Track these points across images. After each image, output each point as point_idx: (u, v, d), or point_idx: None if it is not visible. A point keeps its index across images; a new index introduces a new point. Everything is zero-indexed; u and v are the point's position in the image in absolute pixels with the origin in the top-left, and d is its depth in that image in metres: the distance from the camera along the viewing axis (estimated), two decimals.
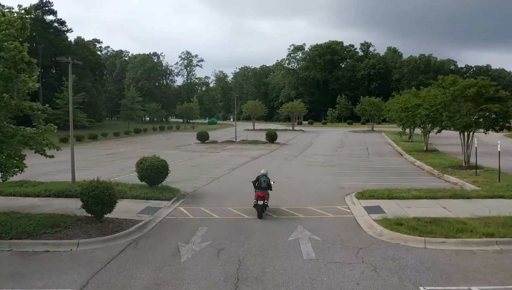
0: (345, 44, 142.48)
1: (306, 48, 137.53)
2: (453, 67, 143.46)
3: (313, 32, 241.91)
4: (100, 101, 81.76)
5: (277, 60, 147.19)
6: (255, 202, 14.64)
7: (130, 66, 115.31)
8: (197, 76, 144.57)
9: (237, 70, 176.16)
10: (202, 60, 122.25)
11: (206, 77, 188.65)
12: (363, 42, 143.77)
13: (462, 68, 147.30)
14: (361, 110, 71.15)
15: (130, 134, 66.85)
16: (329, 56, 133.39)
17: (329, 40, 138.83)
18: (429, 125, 35.07)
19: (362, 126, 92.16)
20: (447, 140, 43.07)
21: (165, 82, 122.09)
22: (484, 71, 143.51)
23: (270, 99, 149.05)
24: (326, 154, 38.62)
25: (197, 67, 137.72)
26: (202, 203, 17.34)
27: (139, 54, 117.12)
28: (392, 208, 15.31)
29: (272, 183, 15.22)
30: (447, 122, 24.22)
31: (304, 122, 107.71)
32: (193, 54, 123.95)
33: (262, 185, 14.77)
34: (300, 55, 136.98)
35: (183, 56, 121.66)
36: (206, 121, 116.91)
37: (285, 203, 16.82)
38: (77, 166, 22.73)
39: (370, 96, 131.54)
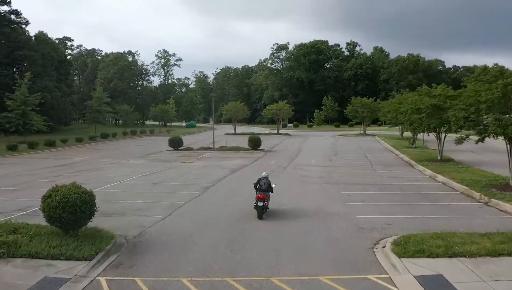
0: (330, 43, 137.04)
1: (290, 47, 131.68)
2: (440, 67, 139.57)
3: (295, 34, 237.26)
4: (65, 102, 73.74)
5: (260, 60, 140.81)
6: (255, 203, 14.85)
7: (102, 65, 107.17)
8: (175, 77, 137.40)
9: (218, 71, 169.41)
10: (180, 60, 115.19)
11: (186, 78, 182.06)
12: (349, 42, 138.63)
13: (449, 68, 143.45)
14: (352, 112, 65.06)
15: (96, 139, 59.27)
16: (314, 55, 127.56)
17: (314, 40, 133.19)
18: (445, 129, 29.14)
19: (351, 129, 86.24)
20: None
21: (140, 83, 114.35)
22: (473, 71, 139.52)
23: (252, 101, 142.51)
24: (321, 165, 32.12)
25: (175, 67, 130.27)
26: (142, 266, 10.50)
27: (112, 52, 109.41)
28: (465, 280, 8.79)
29: (273, 185, 15.39)
30: (495, 128, 17.74)
31: (289, 124, 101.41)
32: (170, 53, 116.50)
33: (263, 187, 14.95)
34: (284, 55, 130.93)
35: (160, 55, 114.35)
36: (185, 124, 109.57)
37: (279, 269, 10.10)
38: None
39: (357, 97, 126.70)
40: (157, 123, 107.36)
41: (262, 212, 14.79)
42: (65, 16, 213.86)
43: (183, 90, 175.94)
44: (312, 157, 38.20)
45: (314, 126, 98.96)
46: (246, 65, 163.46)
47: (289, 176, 26.25)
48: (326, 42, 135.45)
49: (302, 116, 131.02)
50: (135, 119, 79.57)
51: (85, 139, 58.71)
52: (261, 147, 45.11)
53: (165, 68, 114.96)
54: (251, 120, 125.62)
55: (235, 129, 72.42)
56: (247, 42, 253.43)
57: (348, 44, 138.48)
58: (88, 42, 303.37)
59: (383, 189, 21.53)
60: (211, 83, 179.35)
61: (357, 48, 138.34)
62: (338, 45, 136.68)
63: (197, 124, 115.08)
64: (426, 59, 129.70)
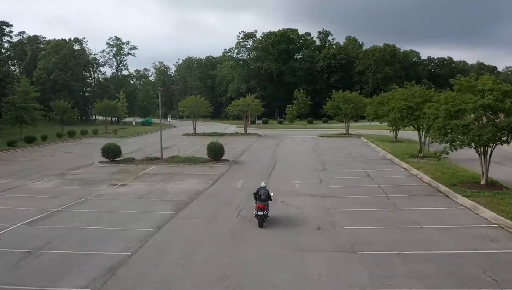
0: (300, 32, 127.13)
1: (258, 36, 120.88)
2: (416, 58, 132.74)
3: (262, 26, 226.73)
4: None
5: (225, 50, 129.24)
6: (255, 213, 15.38)
7: (42, 54, 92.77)
8: (134, 69, 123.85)
9: (180, 62, 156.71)
10: (135, 48, 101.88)
11: (146, 70, 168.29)
12: (320, 31, 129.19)
13: (424, 60, 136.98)
14: (332, 108, 55.19)
15: (16, 145, 46.74)
16: (283, 45, 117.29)
17: (283, 28, 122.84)
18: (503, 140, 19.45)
19: (327, 126, 76.62)
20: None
21: (89, 75, 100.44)
22: (448, 63, 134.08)
23: (217, 94, 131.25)
24: (310, 193, 21.81)
25: (130, 57, 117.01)
26: None
27: (54, 39, 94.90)
28: None
29: (271, 194, 16.02)
30: None
31: (257, 121, 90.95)
32: (124, 40, 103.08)
33: (262, 197, 15.51)
34: (251, 44, 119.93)
35: (112, 43, 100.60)
36: (142, 121, 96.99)
37: None
38: None
39: (331, 89, 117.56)
40: (111, 120, 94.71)
41: (263, 220, 15.37)
42: (27, 9, 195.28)
43: (142, 82, 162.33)
44: (293, 174, 27.86)
45: (285, 123, 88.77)
46: (210, 56, 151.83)
47: (267, 230, 15.66)
48: (296, 30, 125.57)
49: (271, 111, 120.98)
50: (73, 116, 66.58)
51: (1, 145, 46.23)
52: (224, 157, 34.42)
53: (118, 57, 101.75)
54: (216, 115, 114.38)
55: (195, 128, 61.24)
56: (213, 34, 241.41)
57: (320, 33, 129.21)
58: (49, 36, 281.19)
59: (442, 270, 11.33)
60: (172, 75, 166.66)
61: (330, 38, 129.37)
62: (309, 34, 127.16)
63: (156, 121, 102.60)
64: (402, 50, 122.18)
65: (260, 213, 15.23)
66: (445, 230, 14.98)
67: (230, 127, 78.09)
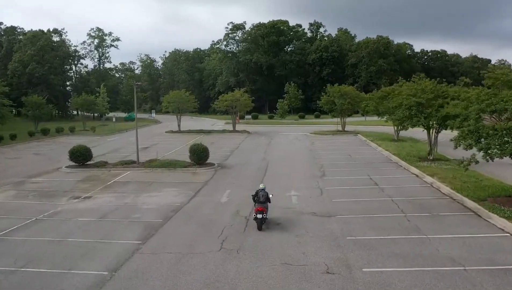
0: (291, 24, 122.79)
1: (247, 27, 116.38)
2: (409, 51, 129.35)
3: (252, 18, 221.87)
4: None
5: (213, 42, 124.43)
6: (254, 215, 15.08)
7: (18, 46, 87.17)
8: (117, 61, 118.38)
9: (167, 55, 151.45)
10: (118, 40, 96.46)
11: (131, 63, 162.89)
12: (312, 22, 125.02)
13: (418, 52, 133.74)
14: (328, 104, 51.25)
15: None
16: (274, 37, 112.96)
17: (273, 20, 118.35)
18: None
19: (321, 121, 72.84)
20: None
21: (69, 68, 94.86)
22: (442, 56, 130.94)
23: (205, 88, 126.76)
24: (313, 210, 17.94)
25: (114, 49, 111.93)
26: None
27: (32, 30, 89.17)
28: None
29: (270, 196, 15.71)
30: None
31: (247, 116, 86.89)
32: (106, 31, 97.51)
33: (261, 199, 15.14)
34: (240, 36, 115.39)
35: (93, 34, 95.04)
36: (125, 117, 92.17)
37: None
38: None
39: (322, 83, 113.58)
40: (93, 116, 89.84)
41: (262, 223, 14.97)
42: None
43: (125, 76, 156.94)
44: (288, 182, 23.98)
45: (276, 118, 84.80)
46: (198, 48, 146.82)
47: (259, 277, 11.71)
48: (287, 22, 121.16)
49: (261, 106, 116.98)
50: (49, 112, 61.65)
51: None
52: (209, 160, 30.41)
53: (100, 49, 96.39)
54: (204, 110, 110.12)
55: (179, 125, 56.95)
56: (202, 27, 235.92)
57: (311, 24, 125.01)
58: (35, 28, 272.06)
59: None
60: (159, 68, 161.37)
61: (322, 30, 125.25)
62: (300, 26, 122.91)
63: (141, 116, 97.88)
64: (395, 42, 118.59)
65: (259, 216, 14.94)
66: (497, 274, 11.18)
67: (218, 123, 73.99)
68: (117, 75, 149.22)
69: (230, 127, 57.83)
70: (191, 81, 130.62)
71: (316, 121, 76.03)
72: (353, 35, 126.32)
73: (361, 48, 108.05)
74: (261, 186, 16.13)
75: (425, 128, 28.77)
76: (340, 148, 38.48)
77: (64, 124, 66.71)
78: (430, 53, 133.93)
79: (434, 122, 27.01)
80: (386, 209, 17.91)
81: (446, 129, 27.51)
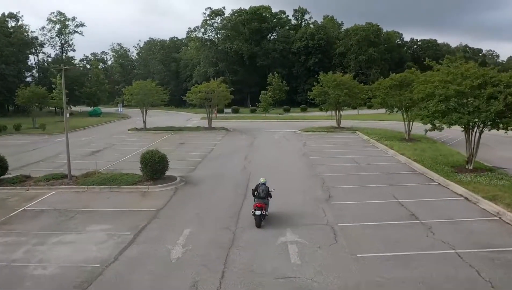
0: (274, 10, 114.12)
1: (227, 13, 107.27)
2: (398, 40, 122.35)
3: (232, 5, 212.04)
4: None
5: (189, 29, 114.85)
6: (253, 211, 14.17)
7: None
8: (90, 52, 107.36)
9: (142, 44, 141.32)
10: (82, 25, 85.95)
11: (104, 53, 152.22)
12: (296, 8, 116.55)
13: (407, 41, 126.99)
14: (320, 96, 43.05)
15: None
16: (255, 23, 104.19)
17: (255, 5, 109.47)
18: None
19: (310, 116, 64.80)
20: None
21: (27, 57, 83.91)
22: (433, 45, 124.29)
23: (182, 79, 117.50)
24: (336, 287, 9.93)
25: (77, 36, 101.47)
26: None
27: None
28: None
29: (272, 190, 14.83)
30: None
31: (226, 110, 78.41)
32: (69, 16, 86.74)
33: (261, 195, 14.36)
34: (219, 22, 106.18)
35: (54, 19, 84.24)
36: (89, 111, 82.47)
37: None
38: None
39: (308, 74, 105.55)
40: (55, 110, 79.78)
41: (261, 220, 14.12)
42: None
43: (100, 66, 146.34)
44: (279, 212, 15.81)
45: (258, 112, 76.24)
46: (175, 37, 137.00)
47: None
48: (270, 8, 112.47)
49: (243, 98, 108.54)
50: None
51: None
52: (170, 172, 22.11)
53: (61, 36, 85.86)
54: (182, 103, 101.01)
55: (145, 121, 48.13)
56: (181, 18, 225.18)
57: (295, 11, 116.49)
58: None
59: None
60: (134, 58, 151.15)
61: (307, 17, 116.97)
62: (284, 12, 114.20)
63: (109, 111, 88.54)
64: (385, 30, 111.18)
65: (258, 212, 13.97)
66: None
67: (193, 119, 65.41)
68: (88, 66, 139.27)
69: (206, 123, 49.24)
70: (166, 72, 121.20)
71: (304, 116, 67.95)
72: (340, 22, 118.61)
73: (350, 36, 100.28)
74: (262, 180, 15.06)
75: (466, 128, 20.93)
76: (340, 150, 30.48)
77: (17, 120, 57.25)
78: (420, 42, 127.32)
79: (483, 119, 19.17)
80: (463, 282, 9.95)
81: (498, 129, 19.82)
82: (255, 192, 14.70)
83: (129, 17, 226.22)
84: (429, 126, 21.43)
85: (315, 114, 74.26)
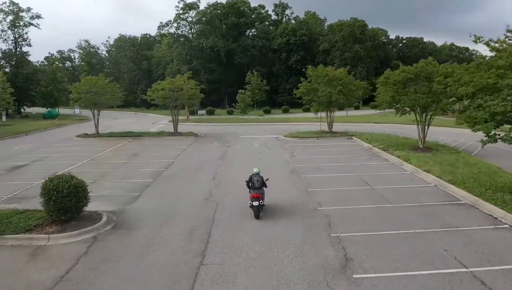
0: (252, 5, 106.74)
1: (202, 6, 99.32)
2: (384, 38, 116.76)
3: (207, 1, 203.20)
4: None
5: (161, 23, 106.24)
6: (250, 203, 13.81)
7: None
8: (56, 50, 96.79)
9: (112, 42, 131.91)
10: (38, 17, 76.56)
11: (71, 51, 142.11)
12: (277, 3, 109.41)
13: (392, 39, 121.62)
14: (309, 94, 35.36)
15: None
16: (233, 18, 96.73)
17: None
18: None
19: (294, 118, 57.41)
20: None
21: None
22: (419, 43, 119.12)
23: (154, 78, 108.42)
24: None
25: (33, 29, 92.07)
26: None
27: None
28: None
29: (266, 180, 14.42)
30: None
31: (200, 111, 70.52)
32: (23, 7, 77.34)
33: (256, 185, 13.97)
34: (193, 16, 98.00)
35: (6, 9, 74.57)
36: (44, 113, 73.11)
37: None
38: None
39: (290, 72, 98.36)
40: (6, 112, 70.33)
41: (259, 211, 13.74)
42: None
43: (67, 65, 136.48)
44: None
45: (235, 113, 68.53)
46: (147, 34, 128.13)
47: None
48: (248, 3, 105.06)
49: (220, 99, 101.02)
50: None
51: None
52: (95, 205, 14.28)
53: (15, 29, 76.31)
54: (153, 104, 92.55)
55: (97, 125, 39.75)
56: (157, 17, 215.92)
57: (276, 6, 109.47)
58: None
59: None
60: (103, 56, 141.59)
61: (288, 12, 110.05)
62: (263, 7, 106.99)
63: (67, 113, 79.63)
64: (370, 27, 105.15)
65: (256, 203, 13.66)
66: None
67: (161, 122, 57.27)
68: (56, 64, 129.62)
69: (173, 128, 41.10)
70: (137, 71, 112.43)
71: (287, 118, 60.53)
72: (323, 18, 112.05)
73: (334, 32, 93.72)
74: (255, 170, 14.54)
75: None
76: (341, 165, 23.04)
77: None
78: (405, 40, 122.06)
79: None
80: None
81: None
82: (250, 183, 14.27)
83: (106, 17, 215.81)
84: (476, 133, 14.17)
85: (299, 115, 67.13)
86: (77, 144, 35.00)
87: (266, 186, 14.37)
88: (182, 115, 60.71)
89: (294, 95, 37.40)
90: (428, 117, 25.79)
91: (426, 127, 26.16)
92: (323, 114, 37.60)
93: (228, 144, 33.13)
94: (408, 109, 25.70)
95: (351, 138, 34.05)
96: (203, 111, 71.64)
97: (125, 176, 21.42)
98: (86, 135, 38.94)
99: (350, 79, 35.35)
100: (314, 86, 34.66)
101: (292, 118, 57.65)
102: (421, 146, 26.37)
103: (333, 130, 36.98)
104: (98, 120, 39.57)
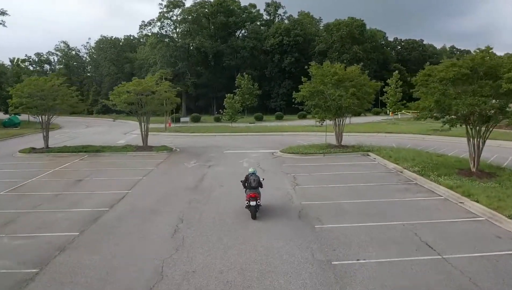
0: (243, 4, 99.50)
1: (188, 4, 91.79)
2: (382, 40, 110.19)
3: None
4: None
5: (143, 22, 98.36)
6: (247, 203, 13.62)
7: None
8: (33, 52, 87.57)
9: (93, 44, 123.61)
10: (4, 13, 68.31)
11: (50, 54, 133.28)
12: (269, 2, 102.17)
13: (391, 41, 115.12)
14: (312, 97, 27.20)
15: None
16: (222, 17, 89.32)
17: None
18: None
19: (290, 127, 49.74)
20: None
21: None
22: (419, 45, 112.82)
23: None
24: None
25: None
26: None
27: None
28: None
29: (261, 180, 14.27)
30: None
31: (183, 119, 62.74)
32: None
33: (252, 185, 13.82)
34: (178, 14, 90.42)
35: None
36: (4, 121, 64.70)
37: None
38: None
39: (283, 75, 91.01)
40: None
41: (256, 211, 13.63)
42: None
43: (45, 68, 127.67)
44: None
45: (223, 120, 60.52)
46: (130, 35, 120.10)
47: None
48: (238, 2, 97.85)
49: (207, 105, 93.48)
50: None
51: None
52: None
53: None
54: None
55: (46, 138, 31.60)
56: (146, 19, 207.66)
57: (268, 5, 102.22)
58: None
59: None
60: (85, 59, 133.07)
61: (280, 12, 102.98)
62: (255, 6, 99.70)
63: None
64: (368, 27, 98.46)
65: (253, 203, 13.49)
66: None
67: (135, 131, 49.16)
68: (31, 68, 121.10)
69: (154, 138, 33.15)
70: (119, 74, 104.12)
71: (282, 126, 52.83)
72: (318, 18, 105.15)
73: (331, 32, 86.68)
74: (251, 170, 14.50)
75: None
76: (370, 203, 15.40)
77: None
78: (403, 43, 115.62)
79: None
80: None
81: None
82: (246, 183, 14.06)
83: (97, 20, 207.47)
84: None
85: (295, 123, 59.70)
86: (13, 163, 27.02)
87: (261, 186, 14.21)
88: (161, 122, 53.06)
89: (293, 100, 29.59)
90: (485, 128, 18.37)
91: (481, 142, 18.73)
92: (333, 124, 29.90)
93: (209, 163, 25.43)
94: (457, 119, 18.26)
95: (368, 155, 26.57)
96: (187, 118, 63.88)
97: (42, 223, 13.77)
98: (32, 150, 30.93)
99: (365, 79, 27.83)
100: (319, 88, 27.02)
101: (287, 127, 50.03)
102: (473, 170, 18.92)
103: (342, 143, 29.37)
104: (48, 131, 31.56)
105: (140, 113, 30.70)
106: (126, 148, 30.77)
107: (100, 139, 39.65)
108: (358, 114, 29.07)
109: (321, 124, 29.33)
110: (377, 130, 41.12)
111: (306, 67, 29.71)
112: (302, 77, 29.18)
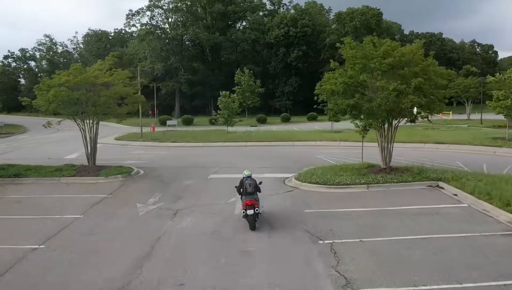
0: None
1: None
2: (397, 34, 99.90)
3: None
4: None
5: (130, 11, 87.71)
6: (243, 212, 11.76)
7: None
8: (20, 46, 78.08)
9: (80, 39, 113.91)
10: None
11: (36, 50, 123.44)
12: None
13: (406, 35, 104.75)
14: (346, 93, 17.02)
15: None
16: (220, 5, 78.98)
17: None
18: None
19: (300, 127, 39.18)
20: None
21: None
22: (438, 39, 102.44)
23: None
24: None
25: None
26: None
27: None
28: None
29: (259, 183, 12.29)
30: None
31: (170, 122, 52.54)
32: None
33: (249, 190, 11.86)
34: (170, 2, 79.99)
35: None
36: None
37: None
38: None
39: (289, 70, 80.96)
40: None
41: (255, 221, 11.72)
42: None
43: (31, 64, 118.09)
44: None
45: (219, 123, 49.25)
46: (121, 29, 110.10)
47: None
48: None
49: (205, 104, 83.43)
50: None
51: None
52: None
53: None
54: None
55: None
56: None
57: None
58: None
59: None
60: (73, 54, 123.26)
61: (286, 1, 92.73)
62: None
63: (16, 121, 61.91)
64: (384, 18, 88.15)
65: (250, 211, 11.58)
66: None
67: (105, 138, 38.65)
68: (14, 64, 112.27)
69: (120, 150, 22.80)
70: (107, 71, 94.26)
71: (293, 132, 41.87)
72: (327, 8, 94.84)
73: (344, 21, 76.31)
74: (246, 173, 12.42)
75: None
76: None
77: None
78: (420, 36, 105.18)
79: None
80: None
81: None
82: (241, 189, 12.11)
83: (95, 21, 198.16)
84: None
85: (305, 126, 49.41)
86: None
87: (260, 191, 12.34)
88: (145, 125, 42.87)
89: (316, 98, 18.94)
90: None
91: None
92: (378, 134, 19.49)
93: (178, 202, 15.17)
94: None
95: (439, 188, 16.22)
96: (174, 122, 53.57)
97: None
98: None
99: (433, 64, 17.37)
100: (360, 78, 16.60)
101: (299, 133, 39.49)
102: None
103: (390, 164, 18.90)
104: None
105: (81, 117, 20.41)
106: (63, 169, 20.46)
107: (47, 152, 29.71)
108: (413, 118, 18.43)
109: (365, 135, 18.85)
110: (411, 139, 30.63)
111: (343, 39, 18.97)
112: (331, 61, 18.68)
